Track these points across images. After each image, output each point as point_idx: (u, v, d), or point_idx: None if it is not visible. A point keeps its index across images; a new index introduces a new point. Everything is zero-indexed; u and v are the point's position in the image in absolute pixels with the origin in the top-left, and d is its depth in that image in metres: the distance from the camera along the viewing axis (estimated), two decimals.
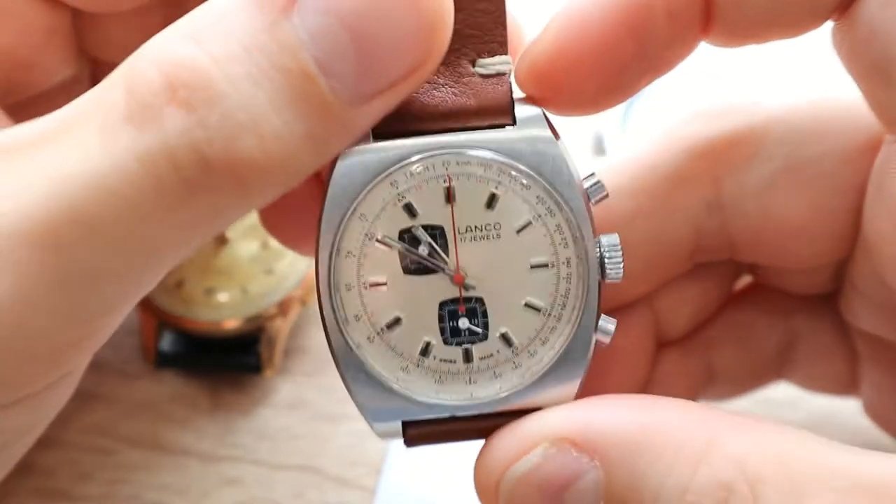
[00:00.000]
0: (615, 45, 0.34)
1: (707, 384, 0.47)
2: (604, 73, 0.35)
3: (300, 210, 0.43)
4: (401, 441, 0.36)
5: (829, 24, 0.36)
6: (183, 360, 0.54)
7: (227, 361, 0.54)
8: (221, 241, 0.55)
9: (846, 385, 0.47)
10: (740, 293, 0.48)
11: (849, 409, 0.48)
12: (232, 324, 0.53)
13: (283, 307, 0.54)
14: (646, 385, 0.44)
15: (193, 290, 0.54)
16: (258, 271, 0.55)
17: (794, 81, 0.58)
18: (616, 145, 0.63)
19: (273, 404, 0.54)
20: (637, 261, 0.40)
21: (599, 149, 0.64)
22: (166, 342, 0.54)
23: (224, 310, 0.54)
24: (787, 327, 0.46)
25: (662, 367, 0.45)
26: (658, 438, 0.31)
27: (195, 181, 0.29)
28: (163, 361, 0.54)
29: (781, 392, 0.48)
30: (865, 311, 0.42)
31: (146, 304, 0.54)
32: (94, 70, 0.45)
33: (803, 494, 0.29)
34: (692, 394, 0.46)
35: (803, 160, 0.39)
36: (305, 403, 0.54)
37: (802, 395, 0.49)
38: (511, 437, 0.33)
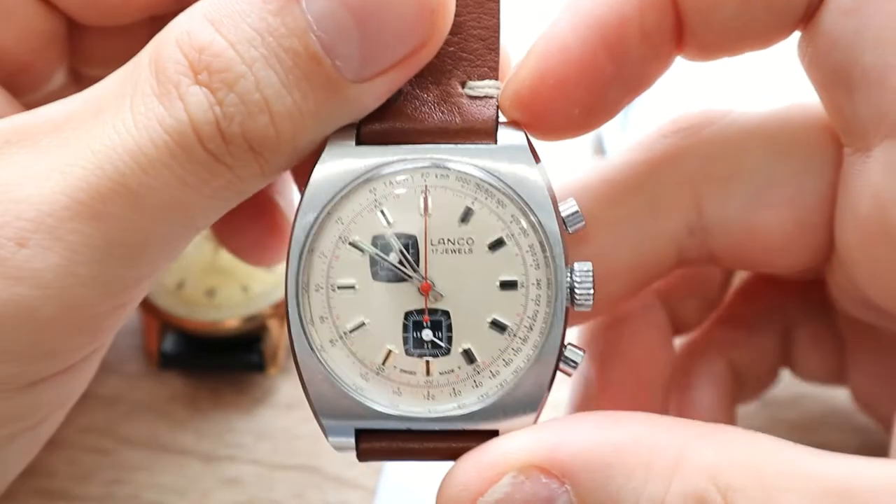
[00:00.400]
0: (595, 67, 0.35)
1: (739, 387, 0.47)
2: (586, 95, 0.35)
3: (249, 222, 0.45)
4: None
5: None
6: (186, 361, 0.55)
7: (230, 361, 0.54)
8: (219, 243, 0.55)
9: (837, 374, 0.47)
10: (737, 290, 0.48)
11: (845, 410, 0.48)
12: (233, 323, 0.53)
13: (283, 305, 0.54)
14: (672, 373, 0.44)
15: (194, 290, 0.54)
16: (259, 269, 0.55)
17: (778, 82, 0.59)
18: (616, 145, 0.63)
19: (273, 404, 0.54)
20: (616, 285, 0.40)
21: (599, 149, 0.64)
22: (169, 343, 0.54)
23: (225, 310, 0.54)
24: (784, 315, 0.47)
25: (695, 382, 0.45)
26: (628, 456, 0.31)
27: (219, 154, 0.32)
28: (166, 363, 0.54)
29: (781, 393, 0.49)
30: (847, 301, 0.43)
31: (148, 307, 0.54)
32: (77, 84, 0.46)
33: (775, 500, 0.29)
34: (730, 400, 0.46)
35: (783, 177, 0.39)
36: (305, 403, 0.53)
37: (801, 396, 0.49)
38: (476, 466, 0.32)
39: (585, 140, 0.64)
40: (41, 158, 0.33)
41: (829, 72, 0.35)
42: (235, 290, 0.54)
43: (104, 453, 0.51)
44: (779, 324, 0.47)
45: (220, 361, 0.54)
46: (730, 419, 0.46)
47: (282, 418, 0.53)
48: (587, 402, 0.44)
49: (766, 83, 0.61)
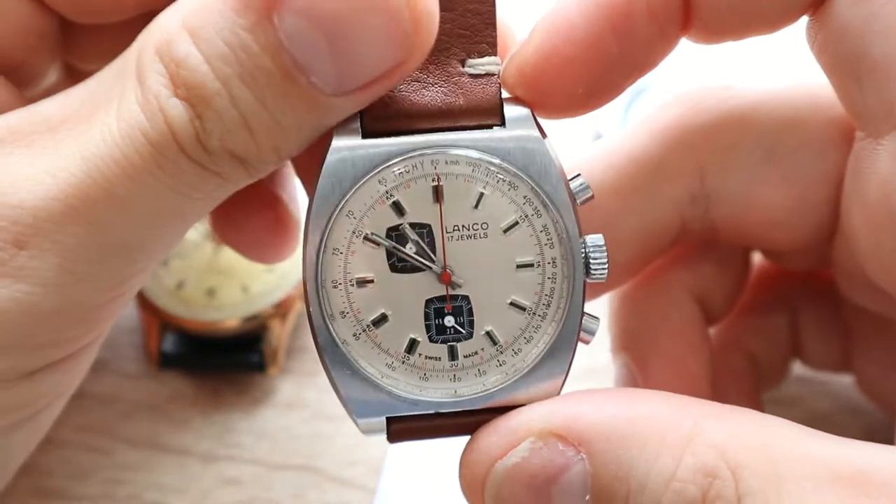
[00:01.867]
0: (600, 46, 0.35)
1: (761, 378, 0.47)
2: (590, 74, 0.35)
3: (251, 218, 0.45)
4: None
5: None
6: (186, 361, 0.55)
7: (230, 361, 0.54)
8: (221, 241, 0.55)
9: (843, 361, 0.47)
10: (750, 282, 0.48)
11: (848, 408, 0.48)
12: (233, 323, 0.53)
13: (284, 305, 0.54)
14: (712, 362, 0.44)
15: (194, 290, 0.54)
16: (259, 269, 0.55)
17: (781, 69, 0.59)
18: None
19: (273, 404, 0.54)
20: (624, 254, 0.41)
21: None
22: (169, 343, 0.54)
23: (225, 310, 0.54)
24: (791, 302, 0.47)
25: (720, 379, 0.45)
26: (643, 429, 0.32)
27: (204, 163, 0.32)
28: (166, 363, 0.54)
29: (782, 392, 0.48)
30: (852, 287, 0.43)
31: (148, 307, 0.54)
32: (72, 79, 0.45)
33: (783, 479, 0.29)
34: (755, 391, 0.46)
35: (783, 152, 0.39)
36: (305, 403, 0.54)
37: (804, 393, 0.49)
38: (497, 432, 0.34)
39: (585, 139, 0.64)
40: (36, 160, 0.33)
41: (839, 60, 0.35)
42: (235, 290, 0.54)
43: (103, 453, 0.51)
44: (786, 310, 0.47)
45: (220, 361, 0.54)
46: (758, 409, 0.46)
47: (282, 418, 0.53)
48: None
49: (773, 70, 0.61)
